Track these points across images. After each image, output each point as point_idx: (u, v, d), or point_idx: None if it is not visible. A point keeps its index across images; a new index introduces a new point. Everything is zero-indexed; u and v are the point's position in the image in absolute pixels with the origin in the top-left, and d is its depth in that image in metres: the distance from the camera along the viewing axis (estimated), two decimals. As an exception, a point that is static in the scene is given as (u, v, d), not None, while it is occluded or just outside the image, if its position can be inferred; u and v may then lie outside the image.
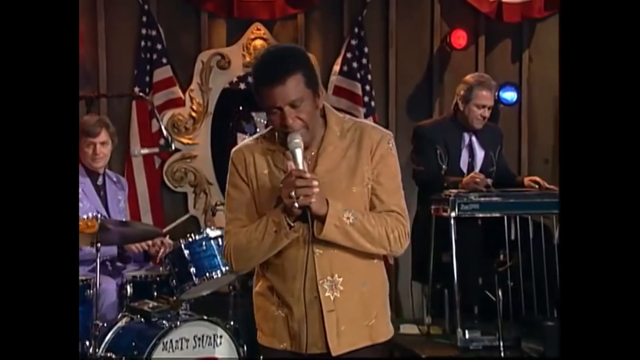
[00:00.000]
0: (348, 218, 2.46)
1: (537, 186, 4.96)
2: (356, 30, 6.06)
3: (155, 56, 5.81)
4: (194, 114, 5.96)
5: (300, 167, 2.41)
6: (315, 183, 2.38)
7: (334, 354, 2.51)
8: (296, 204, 2.37)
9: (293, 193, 2.36)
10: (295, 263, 2.51)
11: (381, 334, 2.63)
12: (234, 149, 2.64)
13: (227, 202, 2.62)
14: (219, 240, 4.23)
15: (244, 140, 2.68)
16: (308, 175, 2.39)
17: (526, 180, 5.08)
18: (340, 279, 2.51)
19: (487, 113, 5.03)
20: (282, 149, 2.53)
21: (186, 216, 5.61)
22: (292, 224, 2.44)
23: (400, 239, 2.55)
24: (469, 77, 5.14)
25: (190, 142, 5.95)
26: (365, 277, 2.58)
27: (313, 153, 2.55)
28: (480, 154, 5.10)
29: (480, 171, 5.02)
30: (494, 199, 4.72)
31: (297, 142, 2.43)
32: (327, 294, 2.50)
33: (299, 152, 2.42)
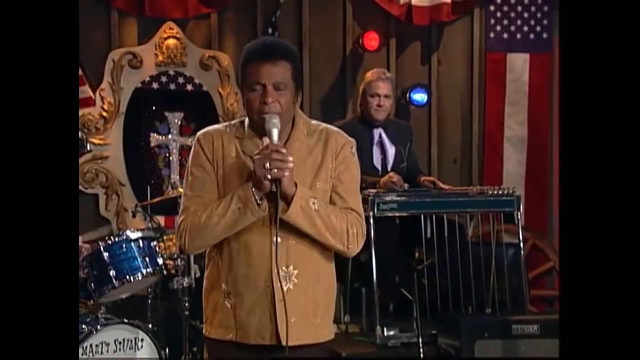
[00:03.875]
0: (314, 204, 2.51)
1: (432, 186, 5.07)
2: (270, 30, 6.04)
3: (63, 54, 5.65)
4: (105, 114, 5.84)
5: (276, 143, 2.45)
6: (290, 159, 2.43)
7: (284, 343, 2.51)
8: (269, 176, 2.40)
9: (267, 164, 2.39)
10: (252, 250, 2.52)
11: (324, 334, 2.67)
12: (201, 132, 2.64)
13: (188, 182, 2.61)
14: (140, 242, 4.18)
15: (211, 126, 2.68)
16: (284, 150, 2.44)
17: (423, 180, 5.18)
18: (295, 272, 2.53)
19: (383, 102, 5.07)
20: (251, 135, 2.57)
21: (106, 229, 5.49)
22: (258, 201, 2.45)
23: (358, 237, 2.61)
24: (367, 74, 5.24)
25: (101, 142, 5.83)
26: (319, 275, 2.61)
27: None
28: (391, 150, 5.18)
29: (392, 167, 5.10)
30: (412, 198, 4.81)
31: (274, 122, 2.48)
32: (281, 282, 2.51)
33: (275, 132, 2.47)
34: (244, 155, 2.56)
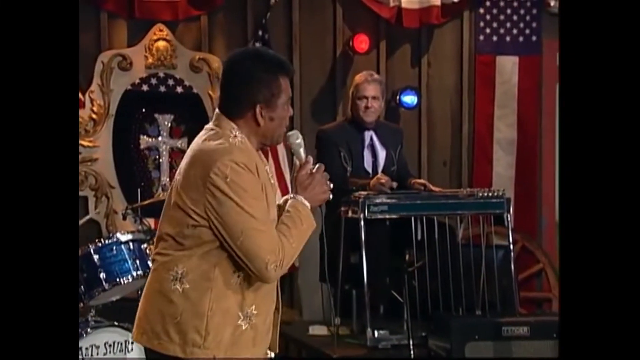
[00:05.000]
0: None
1: (423, 188, 5.08)
2: (260, 32, 6.06)
3: (53, 56, 5.63)
4: (94, 116, 5.82)
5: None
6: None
7: (276, 351, 2.62)
8: (330, 197, 2.52)
9: (326, 186, 2.51)
10: None
11: None
12: (242, 157, 2.44)
13: (258, 209, 2.43)
14: (130, 244, 4.18)
15: (235, 149, 2.47)
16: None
17: (413, 182, 5.19)
18: None
19: (370, 103, 5.06)
20: (258, 155, 2.55)
21: (85, 219, 5.48)
22: None
23: None
24: (356, 76, 5.25)
25: (90, 144, 5.81)
26: None
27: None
28: (382, 153, 5.18)
29: (383, 170, 5.11)
30: (402, 201, 4.82)
31: (301, 140, 2.57)
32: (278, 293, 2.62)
33: (303, 150, 2.55)
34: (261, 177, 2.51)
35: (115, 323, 4.08)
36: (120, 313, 4.42)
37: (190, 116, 6.01)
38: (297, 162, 2.54)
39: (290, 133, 2.51)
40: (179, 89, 5.99)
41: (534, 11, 6.74)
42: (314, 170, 2.50)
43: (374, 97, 5.08)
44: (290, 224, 2.44)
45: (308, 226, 2.47)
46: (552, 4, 6.65)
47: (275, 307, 2.58)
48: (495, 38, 6.70)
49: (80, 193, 5.80)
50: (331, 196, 2.47)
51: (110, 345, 4.01)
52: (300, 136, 2.52)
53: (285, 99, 2.49)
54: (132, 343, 4.06)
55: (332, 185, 2.47)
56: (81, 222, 5.16)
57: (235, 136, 2.49)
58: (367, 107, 5.07)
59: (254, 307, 2.49)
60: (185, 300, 2.46)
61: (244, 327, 2.48)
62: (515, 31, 6.72)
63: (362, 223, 4.69)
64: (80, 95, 5.75)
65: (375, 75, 5.26)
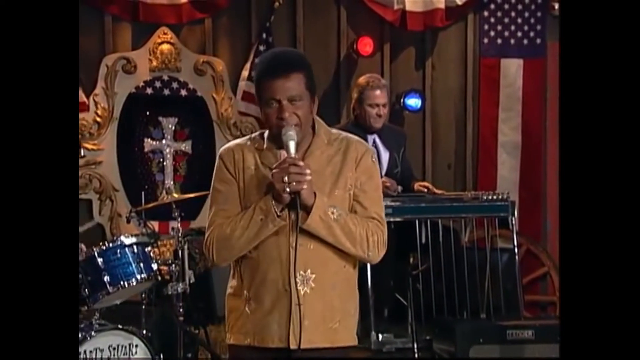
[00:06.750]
0: (333, 213, 2.55)
1: (426, 190, 5.08)
2: (264, 35, 6.06)
3: (57, 59, 5.63)
4: (98, 119, 5.82)
5: (294, 156, 2.50)
6: (308, 171, 2.48)
7: (292, 346, 2.56)
8: (288, 189, 2.46)
9: (286, 178, 2.45)
10: (272, 254, 2.57)
11: (343, 339, 2.67)
12: (223, 148, 2.72)
13: (213, 197, 2.67)
14: (134, 247, 4.17)
15: (233, 141, 2.75)
16: (301, 163, 2.49)
17: (416, 185, 5.19)
18: (313, 276, 2.57)
19: (382, 111, 5.09)
20: (270, 147, 2.62)
21: (91, 224, 5.49)
22: (279, 212, 2.51)
23: (379, 245, 2.63)
24: (360, 80, 5.23)
25: (95, 147, 5.81)
26: (336, 281, 2.63)
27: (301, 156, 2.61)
28: (385, 155, 5.18)
29: (386, 173, 5.11)
30: (407, 203, 4.82)
31: (291, 134, 2.53)
32: (298, 287, 2.56)
33: (292, 144, 2.52)
34: (263, 166, 2.61)
35: (120, 326, 4.06)
36: (124, 316, 4.41)
37: (194, 119, 6.02)
38: None
39: (283, 130, 2.55)
40: (183, 92, 5.99)
41: (539, 14, 6.73)
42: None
43: (384, 105, 5.10)
44: (244, 213, 2.57)
45: (264, 215, 2.51)
46: (556, 7, 6.65)
47: (288, 301, 2.55)
48: (499, 41, 6.70)
49: (85, 196, 5.80)
50: (288, 189, 2.44)
51: (114, 349, 3.99)
52: (288, 134, 2.53)
53: (265, 99, 2.56)
54: (136, 346, 4.06)
55: (286, 178, 2.43)
56: (87, 227, 5.17)
57: (258, 132, 2.72)
58: (379, 115, 5.07)
59: (250, 291, 2.61)
60: None
61: (243, 309, 2.62)
62: (519, 34, 6.72)
63: (366, 226, 4.68)
64: (85, 99, 5.75)
65: (383, 81, 5.26)
